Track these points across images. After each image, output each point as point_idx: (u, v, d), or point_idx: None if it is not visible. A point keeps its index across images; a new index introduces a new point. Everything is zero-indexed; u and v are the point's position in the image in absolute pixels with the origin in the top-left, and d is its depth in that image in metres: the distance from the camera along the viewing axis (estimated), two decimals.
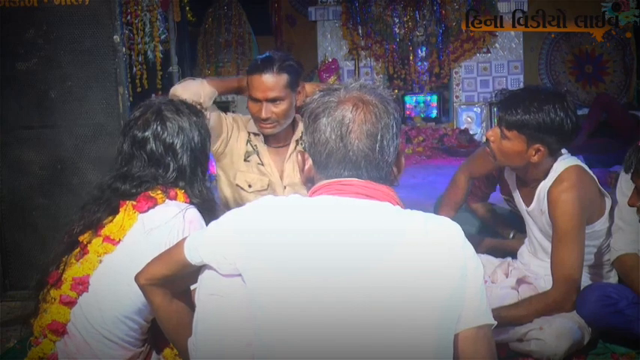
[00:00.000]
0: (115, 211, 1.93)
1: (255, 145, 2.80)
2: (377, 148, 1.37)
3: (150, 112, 1.98)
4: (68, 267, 1.90)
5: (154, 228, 1.86)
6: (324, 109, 1.39)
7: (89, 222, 1.94)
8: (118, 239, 1.89)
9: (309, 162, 1.43)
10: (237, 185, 2.78)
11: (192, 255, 1.45)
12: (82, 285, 1.86)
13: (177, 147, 1.96)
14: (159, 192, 1.92)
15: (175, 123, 1.97)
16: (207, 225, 1.84)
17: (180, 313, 1.61)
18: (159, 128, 1.96)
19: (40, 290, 1.93)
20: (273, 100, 2.61)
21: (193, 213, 1.90)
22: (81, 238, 1.93)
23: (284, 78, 2.61)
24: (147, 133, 1.95)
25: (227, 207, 2.79)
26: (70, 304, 1.86)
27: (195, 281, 1.48)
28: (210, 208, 1.99)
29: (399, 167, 1.44)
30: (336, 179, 1.38)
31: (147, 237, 1.86)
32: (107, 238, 1.89)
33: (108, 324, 1.84)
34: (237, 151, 2.78)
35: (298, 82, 2.69)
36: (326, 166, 1.38)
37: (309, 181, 1.46)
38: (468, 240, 1.38)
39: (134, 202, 1.91)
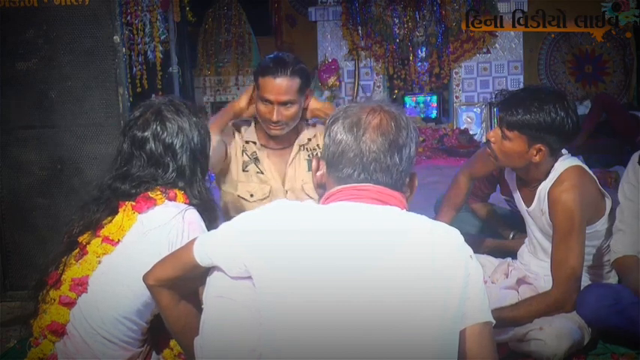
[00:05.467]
0: (114, 212, 1.92)
1: (254, 152, 2.78)
2: (389, 152, 1.39)
3: (150, 112, 1.98)
4: (67, 267, 1.90)
5: (153, 229, 1.86)
6: (343, 112, 1.44)
7: (88, 222, 1.94)
8: (117, 240, 1.88)
9: (324, 168, 1.46)
10: (239, 196, 2.78)
11: (202, 256, 1.46)
12: (81, 286, 1.86)
13: (177, 147, 1.95)
14: (158, 193, 1.91)
15: (175, 123, 1.96)
16: (206, 226, 1.85)
17: (188, 315, 1.62)
18: (158, 128, 1.95)
19: (40, 291, 1.93)
20: (285, 103, 2.61)
21: (193, 214, 1.89)
22: (80, 239, 1.92)
23: (297, 82, 2.61)
24: (146, 133, 1.95)
25: (227, 215, 2.79)
26: (70, 304, 1.86)
27: (204, 283, 1.49)
28: (209, 208, 1.99)
29: (412, 188, 1.47)
30: (350, 184, 1.40)
31: (146, 237, 1.86)
32: (106, 239, 1.89)
33: (107, 325, 1.83)
34: (235, 165, 2.78)
35: (308, 85, 2.69)
36: (338, 165, 1.41)
37: (320, 187, 1.48)
38: (469, 240, 1.42)
39: (133, 203, 1.90)
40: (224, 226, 1.44)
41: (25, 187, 3.16)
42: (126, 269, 1.84)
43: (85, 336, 1.83)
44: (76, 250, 1.92)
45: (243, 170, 2.77)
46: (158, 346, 1.96)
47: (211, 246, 1.44)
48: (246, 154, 2.78)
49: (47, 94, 3.12)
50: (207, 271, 1.47)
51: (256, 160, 2.77)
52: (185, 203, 1.93)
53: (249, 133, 2.78)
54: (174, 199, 1.92)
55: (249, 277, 1.35)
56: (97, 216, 1.94)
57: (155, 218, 1.88)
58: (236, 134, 2.80)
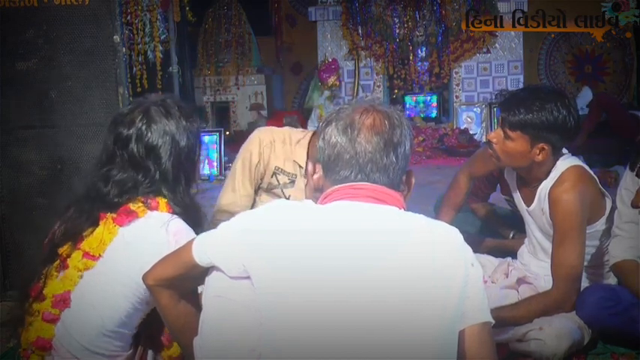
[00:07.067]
0: (95, 223, 1.86)
1: (293, 175, 2.61)
2: (385, 151, 1.39)
3: (137, 111, 1.91)
4: (49, 279, 1.86)
5: (135, 242, 1.81)
6: (336, 114, 1.44)
7: (69, 232, 1.88)
8: (97, 254, 1.83)
9: (320, 172, 1.46)
10: None
11: (201, 256, 1.45)
12: (63, 302, 1.82)
13: (160, 150, 1.88)
14: (140, 205, 1.84)
15: (161, 125, 1.88)
16: (195, 233, 1.82)
17: (187, 314, 1.61)
18: (143, 128, 1.88)
19: (24, 302, 1.88)
20: None
21: (177, 224, 1.82)
22: (60, 251, 1.87)
23: None
24: (130, 131, 1.88)
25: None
26: (53, 321, 1.82)
27: (204, 282, 1.49)
28: (194, 216, 1.90)
29: (409, 185, 1.47)
30: (347, 184, 1.40)
31: (128, 252, 1.81)
32: (87, 254, 1.83)
33: (92, 338, 1.80)
34: (249, 180, 2.63)
35: None
36: (334, 168, 1.41)
37: (317, 191, 1.48)
38: (469, 240, 1.42)
39: (114, 215, 1.84)
40: (223, 226, 1.44)
41: (25, 187, 3.16)
42: (108, 284, 1.80)
43: (72, 350, 1.80)
44: (57, 262, 1.87)
45: (267, 190, 2.65)
46: (157, 347, 1.94)
47: (210, 245, 1.44)
48: (277, 176, 2.64)
49: (47, 94, 3.11)
50: (207, 270, 1.47)
51: (291, 183, 2.63)
52: (169, 212, 1.85)
53: (299, 154, 2.61)
54: (156, 208, 1.85)
55: (248, 277, 1.35)
56: (77, 226, 1.87)
57: (137, 231, 1.82)
58: (272, 156, 2.62)
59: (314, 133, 2.62)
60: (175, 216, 1.85)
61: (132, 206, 1.84)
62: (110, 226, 1.84)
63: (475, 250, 1.41)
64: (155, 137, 1.88)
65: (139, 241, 1.80)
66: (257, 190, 2.67)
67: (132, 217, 1.83)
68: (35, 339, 1.82)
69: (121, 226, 1.83)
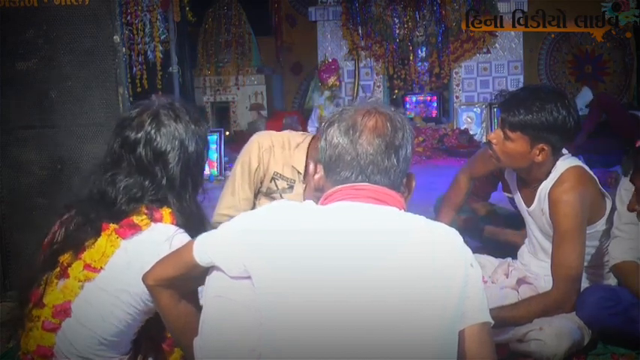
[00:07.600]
0: (97, 233, 1.82)
1: (292, 180, 2.60)
2: (386, 154, 1.40)
3: (146, 115, 1.87)
4: (49, 286, 1.84)
5: (136, 256, 1.77)
6: (339, 115, 1.44)
7: (71, 240, 1.85)
8: (99, 267, 1.80)
9: (321, 172, 1.47)
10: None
11: (202, 256, 1.45)
12: (64, 312, 1.80)
13: (169, 156, 1.84)
14: (143, 217, 1.80)
15: (171, 130, 1.85)
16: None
17: (188, 314, 1.61)
18: (152, 132, 1.84)
19: (24, 306, 1.86)
20: None
21: (181, 239, 1.77)
22: (61, 259, 1.84)
23: None
24: (139, 135, 1.84)
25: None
26: (54, 330, 1.81)
27: (204, 282, 1.49)
28: (198, 224, 1.86)
29: (410, 188, 1.48)
30: (348, 184, 1.41)
31: (129, 265, 1.78)
32: (88, 266, 1.80)
33: (93, 348, 1.80)
34: (249, 185, 2.64)
35: None
36: (335, 169, 1.42)
37: (318, 191, 1.49)
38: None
39: (117, 227, 1.81)
40: (224, 226, 1.45)
41: (25, 187, 3.16)
42: (108, 296, 1.79)
43: (71, 357, 1.80)
44: (57, 269, 1.84)
45: (266, 194, 2.64)
46: (158, 353, 1.93)
47: (211, 245, 1.44)
48: (275, 182, 2.64)
49: (47, 94, 3.11)
50: (207, 270, 1.47)
51: (289, 189, 2.63)
52: (172, 224, 1.82)
53: (298, 159, 2.61)
54: (160, 220, 1.81)
55: (249, 277, 1.35)
56: (80, 236, 1.84)
57: (139, 245, 1.79)
58: (272, 161, 2.63)
59: (313, 137, 2.62)
60: (180, 230, 1.81)
61: (135, 219, 1.81)
62: (113, 239, 1.81)
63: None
64: (164, 142, 1.84)
65: (140, 255, 1.77)
66: (256, 194, 2.67)
67: (135, 230, 1.80)
68: (36, 347, 1.81)
69: (123, 238, 1.80)
